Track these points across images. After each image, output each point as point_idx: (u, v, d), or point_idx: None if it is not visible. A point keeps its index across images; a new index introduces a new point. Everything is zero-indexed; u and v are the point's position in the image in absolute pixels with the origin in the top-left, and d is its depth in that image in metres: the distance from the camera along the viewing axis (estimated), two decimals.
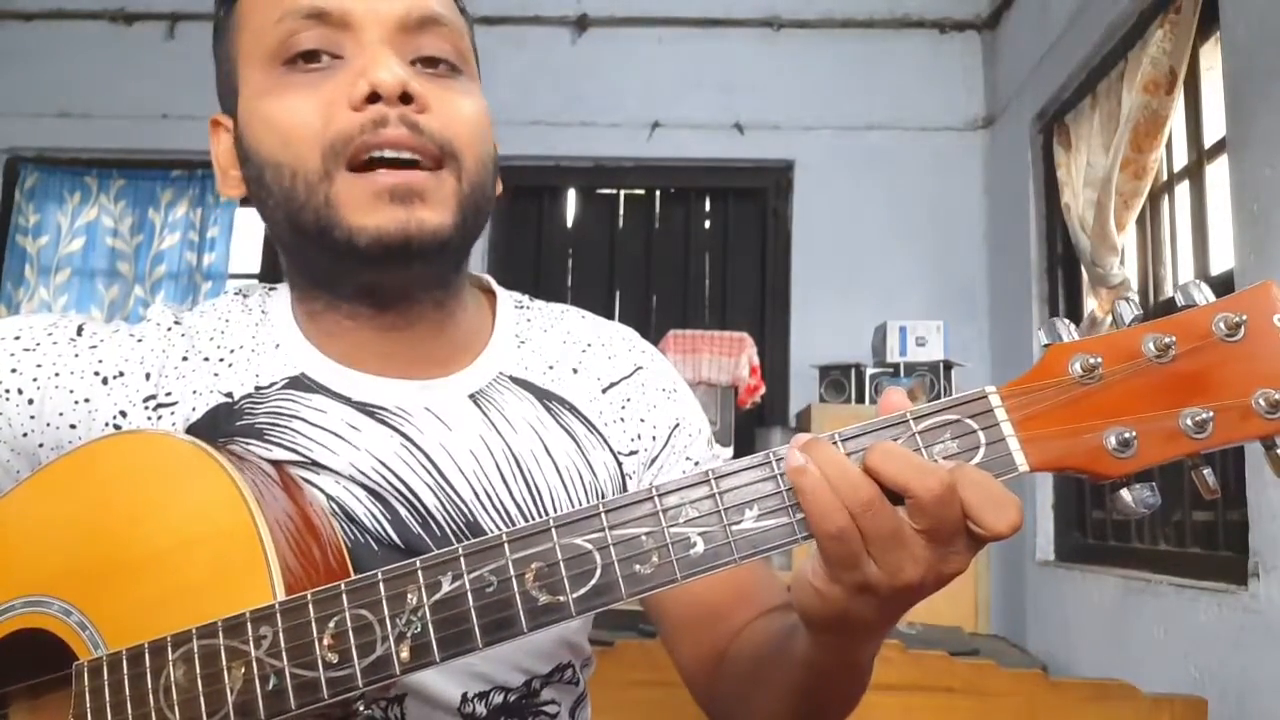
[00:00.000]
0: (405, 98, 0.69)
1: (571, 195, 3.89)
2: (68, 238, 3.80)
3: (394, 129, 0.69)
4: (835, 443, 0.55)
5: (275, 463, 0.71)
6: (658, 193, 3.89)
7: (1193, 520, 2.25)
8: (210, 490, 0.62)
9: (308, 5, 0.71)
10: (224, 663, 0.57)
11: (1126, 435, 0.53)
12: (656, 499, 0.56)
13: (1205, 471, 0.54)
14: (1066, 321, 0.56)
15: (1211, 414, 0.52)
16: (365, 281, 0.74)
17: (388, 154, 0.69)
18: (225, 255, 3.75)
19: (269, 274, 3.81)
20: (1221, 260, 2.17)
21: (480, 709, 0.74)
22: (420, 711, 0.72)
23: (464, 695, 0.74)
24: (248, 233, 3.87)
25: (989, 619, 3.05)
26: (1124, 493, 0.54)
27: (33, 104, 3.80)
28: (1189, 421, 0.53)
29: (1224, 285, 2.08)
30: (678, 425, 0.84)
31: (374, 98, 0.69)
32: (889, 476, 0.53)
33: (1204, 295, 0.55)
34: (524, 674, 0.77)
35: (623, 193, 3.92)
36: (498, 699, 0.75)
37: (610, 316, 3.83)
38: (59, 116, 3.81)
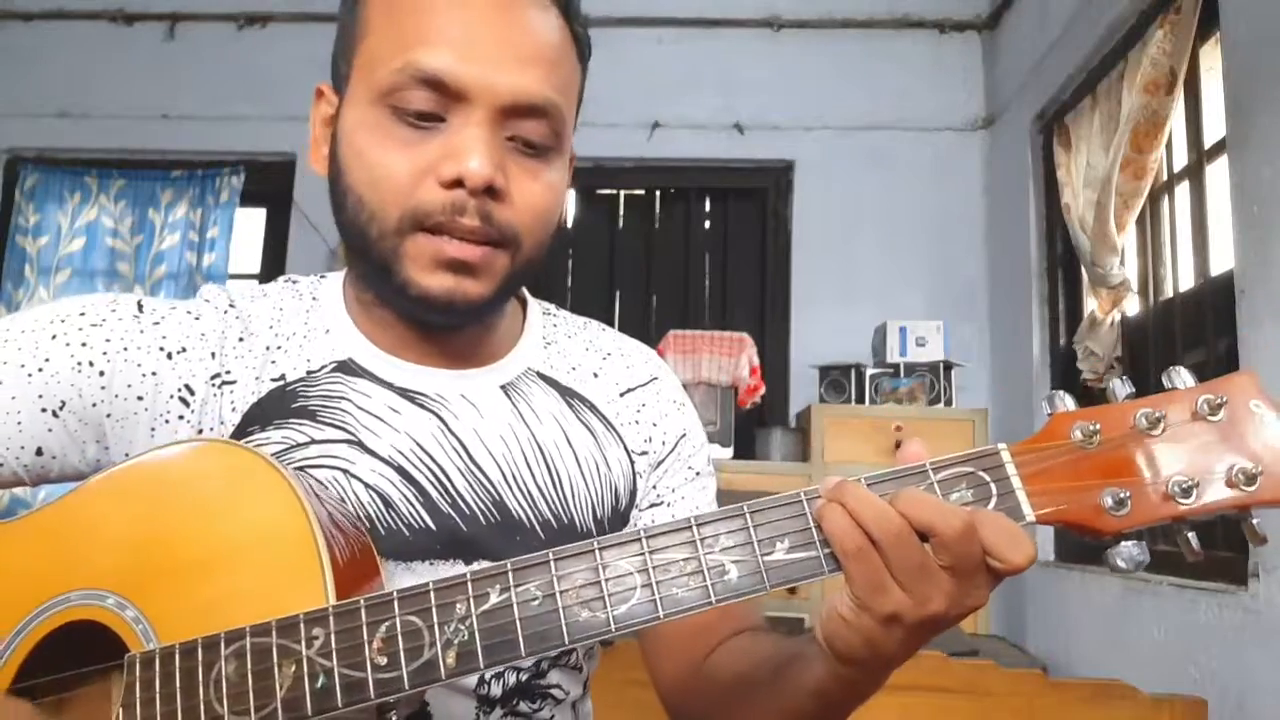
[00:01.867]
0: (488, 188, 0.74)
1: (571, 195, 3.89)
2: (68, 238, 3.80)
3: (470, 219, 0.74)
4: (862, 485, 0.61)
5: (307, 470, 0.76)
6: (658, 193, 3.89)
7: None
8: (269, 498, 0.65)
9: (430, 70, 0.73)
10: (275, 660, 0.60)
11: (1121, 495, 0.59)
12: (695, 528, 0.60)
13: (1190, 535, 0.61)
14: (1065, 395, 0.63)
15: (1196, 482, 0.59)
16: (414, 316, 0.80)
17: (456, 235, 0.74)
18: (225, 255, 3.75)
19: (269, 274, 3.80)
20: (1221, 260, 2.17)
21: (495, 689, 0.78)
22: (439, 694, 0.76)
23: (481, 677, 0.78)
24: (248, 233, 3.87)
25: (989, 619, 3.05)
26: (1116, 549, 0.60)
27: (33, 104, 3.80)
28: (1176, 489, 0.59)
29: (1224, 285, 2.09)
30: (684, 435, 0.91)
31: (460, 182, 0.73)
32: (915, 517, 0.58)
33: (1183, 380, 0.62)
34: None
35: (623, 193, 3.91)
36: (511, 679, 0.79)
37: (610, 316, 3.80)
38: (59, 116, 3.81)
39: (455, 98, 0.74)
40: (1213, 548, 2.13)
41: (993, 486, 0.60)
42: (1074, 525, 0.60)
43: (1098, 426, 0.61)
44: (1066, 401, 0.63)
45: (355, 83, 0.78)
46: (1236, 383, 0.62)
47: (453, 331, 0.83)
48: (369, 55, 0.77)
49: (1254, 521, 0.60)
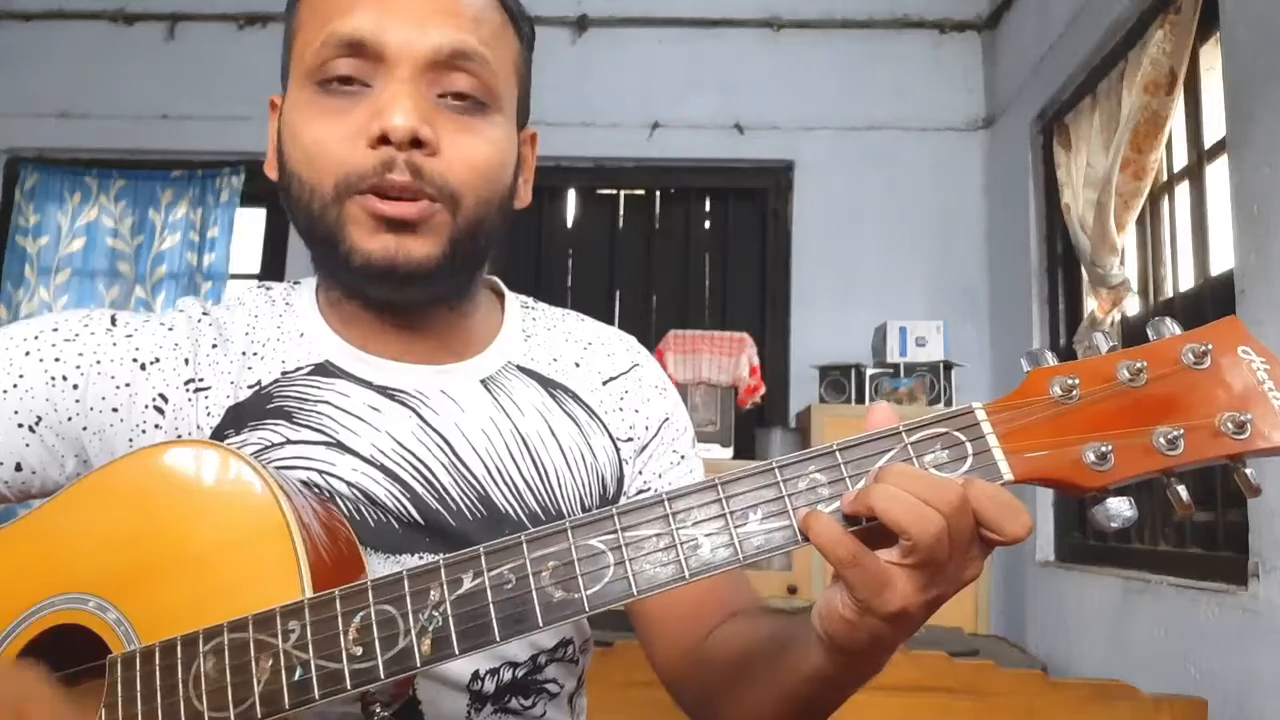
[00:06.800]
0: (415, 141, 0.73)
1: (571, 195, 3.89)
2: (68, 238, 3.80)
3: (399, 174, 0.74)
4: (834, 451, 0.59)
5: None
6: (658, 193, 3.89)
7: (1193, 520, 2.25)
8: (246, 495, 0.66)
9: (347, 34, 0.75)
10: (252, 654, 0.60)
11: (1103, 449, 0.56)
12: (666, 503, 0.59)
13: (1179, 488, 0.57)
14: (1047, 351, 0.60)
15: (1182, 432, 0.56)
16: (366, 293, 0.80)
17: (390, 194, 0.74)
18: (225, 255, 3.74)
19: (269, 274, 3.80)
20: (1221, 260, 2.17)
21: (489, 686, 0.78)
22: (431, 690, 0.76)
23: (475, 673, 0.77)
24: (248, 233, 3.87)
25: (989, 619, 3.05)
26: (1101, 506, 0.58)
27: (33, 104, 3.80)
28: (1161, 440, 0.56)
29: (1224, 285, 2.08)
30: (667, 419, 0.91)
31: (386, 139, 0.73)
32: (913, 492, 0.56)
33: (1171, 329, 0.59)
34: (531, 648, 0.81)
35: (623, 193, 3.91)
36: (506, 675, 0.79)
37: (610, 316, 3.79)
38: (59, 116, 3.81)
39: (377, 60, 0.75)
40: (1213, 548, 2.14)
41: (968, 446, 0.58)
42: (1055, 483, 0.58)
43: (1077, 381, 0.58)
44: (1046, 358, 0.60)
45: (291, 77, 0.80)
46: (1223, 329, 0.59)
47: (425, 318, 0.82)
48: (300, 47, 0.79)
49: (1247, 471, 0.57)
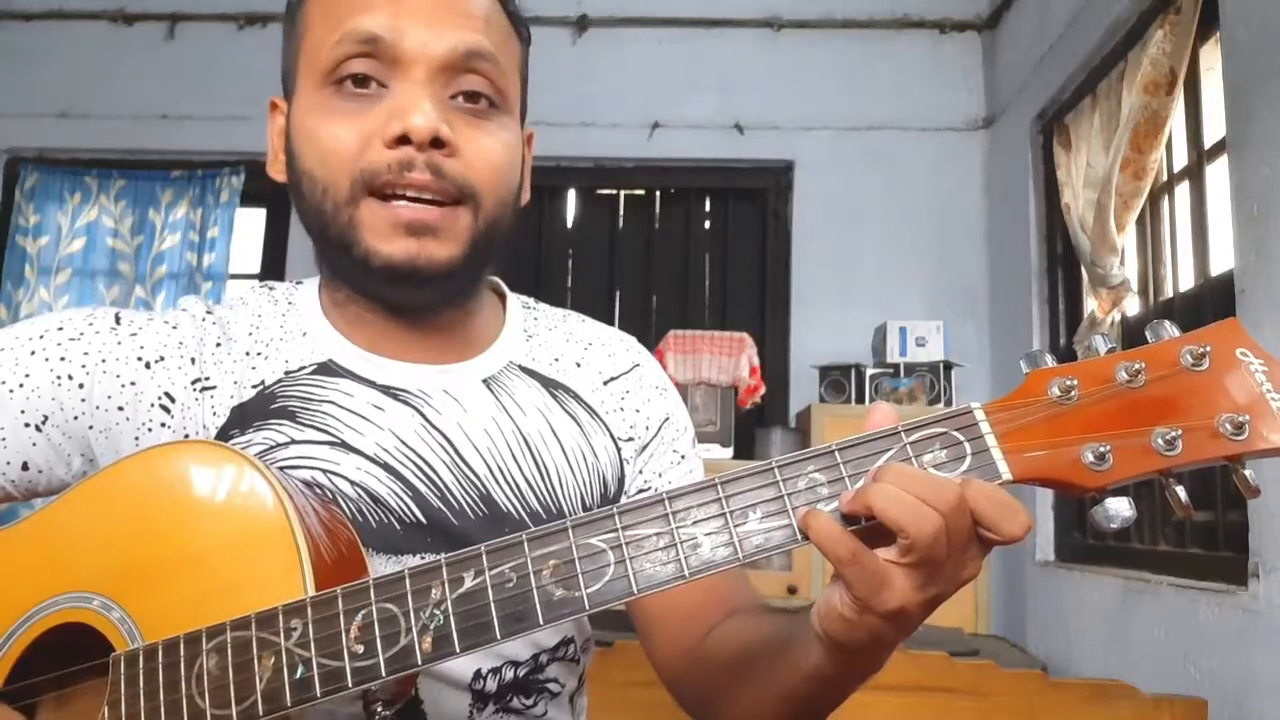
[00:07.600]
0: (435, 142, 0.74)
1: (571, 195, 3.89)
2: (68, 238, 3.80)
3: (419, 173, 0.75)
4: (833, 451, 0.59)
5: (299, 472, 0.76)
6: (658, 193, 3.89)
7: (1192, 520, 2.25)
8: (250, 495, 0.66)
9: (364, 31, 0.76)
10: (255, 652, 0.60)
11: (1102, 449, 0.57)
12: (666, 502, 0.59)
13: (1178, 489, 0.57)
14: (1046, 353, 0.61)
15: (1180, 433, 0.56)
16: (382, 295, 0.80)
17: (409, 193, 0.74)
18: (225, 255, 3.74)
19: (269, 274, 3.80)
20: (1221, 260, 2.17)
21: (491, 685, 0.78)
22: (433, 689, 0.76)
23: (477, 672, 0.78)
24: (248, 233, 3.87)
25: (989, 619, 3.05)
26: (1100, 506, 0.58)
27: (33, 104, 3.80)
28: (1160, 440, 0.56)
29: (1224, 285, 2.08)
30: (668, 419, 0.91)
31: (405, 139, 0.74)
32: (912, 491, 0.56)
33: (1170, 331, 0.60)
34: (533, 647, 0.81)
35: (623, 193, 3.91)
36: (508, 674, 0.79)
37: (610, 316, 3.79)
38: (59, 116, 3.81)
39: (392, 61, 0.76)
40: (1213, 548, 2.14)
41: (967, 446, 0.58)
42: (1054, 483, 0.58)
43: (1075, 381, 0.58)
44: (1045, 359, 0.60)
45: (301, 78, 0.80)
46: (1221, 331, 0.60)
47: (430, 318, 0.83)
48: (311, 48, 0.79)
49: (1246, 473, 0.57)
